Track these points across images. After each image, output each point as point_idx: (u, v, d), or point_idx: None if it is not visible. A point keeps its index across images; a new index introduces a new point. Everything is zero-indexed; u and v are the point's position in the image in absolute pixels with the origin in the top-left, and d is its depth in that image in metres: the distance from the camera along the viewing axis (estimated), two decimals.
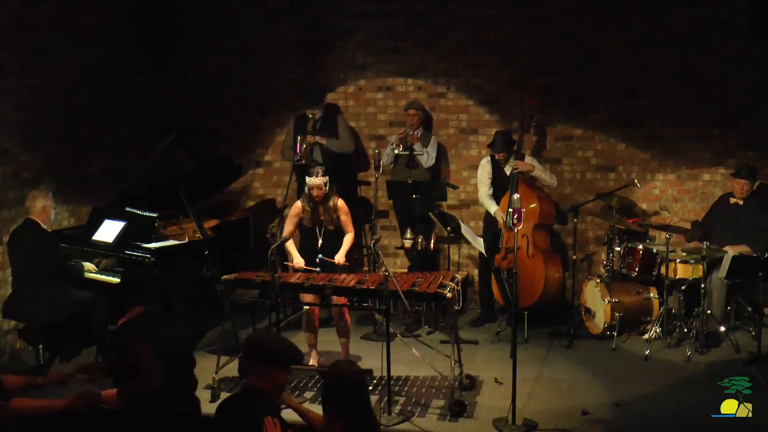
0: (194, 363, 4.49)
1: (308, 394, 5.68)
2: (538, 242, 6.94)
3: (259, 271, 6.09)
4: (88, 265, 6.40)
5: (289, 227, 6.15)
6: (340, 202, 6.10)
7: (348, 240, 6.11)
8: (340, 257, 6.02)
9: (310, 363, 6.11)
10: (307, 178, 5.99)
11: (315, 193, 5.95)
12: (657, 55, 7.46)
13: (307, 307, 6.08)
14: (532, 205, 6.83)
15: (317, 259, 6.00)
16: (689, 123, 7.49)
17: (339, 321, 6.17)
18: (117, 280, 6.25)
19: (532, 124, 7.33)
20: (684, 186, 7.62)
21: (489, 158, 7.25)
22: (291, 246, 6.09)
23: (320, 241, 6.06)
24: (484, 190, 7.20)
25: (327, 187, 5.97)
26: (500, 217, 6.96)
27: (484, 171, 7.21)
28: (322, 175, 5.94)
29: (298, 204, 6.15)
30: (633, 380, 5.91)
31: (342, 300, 5.90)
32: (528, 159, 7.18)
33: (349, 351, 6.21)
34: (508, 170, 7.10)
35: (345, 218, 6.09)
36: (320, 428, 3.87)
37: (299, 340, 6.84)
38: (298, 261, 6.05)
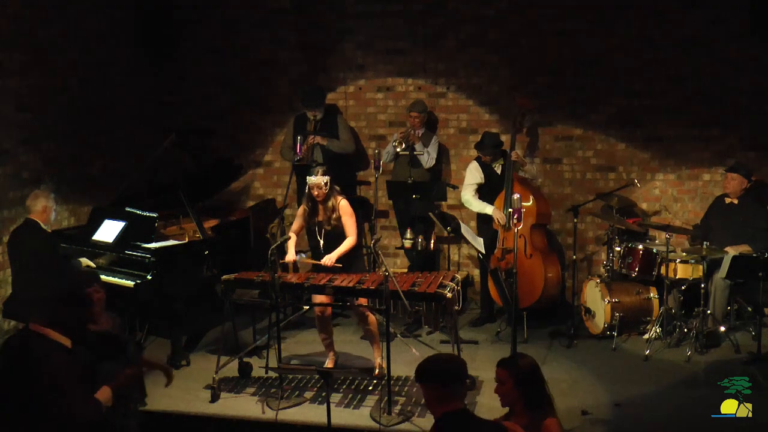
0: None
1: (308, 394, 5.68)
2: (535, 242, 6.94)
3: (259, 271, 6.08)
4: (85, 260, 6.41)
5: (295, 225, 6.10)
6: (343, 203, 5.95)
7: (346, 243, 5.88)
8: (327, 259, 5.83)
9: (327, 364, 6.08)
10: (308, 178, 5.91)
11: (315, 192, 5.86)
12: (657, 55, 7.46)
13: (307, 307, 6.06)
14: (528, 204, 6.82)
15: (296, 261, 5.95)
16: (689, 123, 7.49)
17: (363, 325, 6.10)
18: (117, 280, 6.26)
19: (525, 123, 7.32)
20: (684, 186, 7.62)
21: (476, 161, 7.21)
22: (291, 243, 6.02)
23: (321, 242, 5.96)
24: (470, 193, 7.14)
25: (327, 187, 5.86)
26: (499, 216, 6.91)
27: (475, 174, 7.14)
28: (323, 175, 5.85)
29: (303, 205, 6.08)
30: (633, 380, 5.91)
31: (363, 301, 5.74)
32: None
33: (379, 356, 6.00)
34: (498, 169, 7.10)
35: (346, 219, 5.91)
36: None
37: (299, 340, 6.88)
38: (289, 257, 5.96)
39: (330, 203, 5.91)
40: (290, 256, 5.98)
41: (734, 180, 6.82)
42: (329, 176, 5.89)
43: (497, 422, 3.57)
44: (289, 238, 5.97)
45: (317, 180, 5.85)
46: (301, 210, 6.07)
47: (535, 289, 6.84)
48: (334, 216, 5.91)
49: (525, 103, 7.23)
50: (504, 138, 7.32)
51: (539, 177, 7.30)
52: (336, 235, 5.94)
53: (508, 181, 6.86)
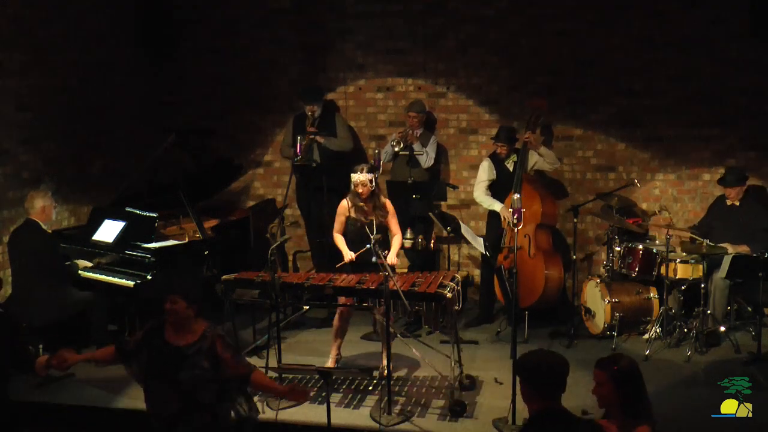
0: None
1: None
2: (540, 242, 6.92)
3: (259, 271, 6.08)
4: (81, 262, 6.41)
5: (337, 226, 6.10)
6: (388, 202, 6.09)
7: (398, 241, 6.07)
8: (392, 258, 5.90)
9: (328, 364, 6.06)
10: (353, 175, 5.91)
11: (360, 189, 5.89)
12: (657, 55, 7.46)
13: (307, 307, 6.04)
14: (535, 206, 6.82)
15: (381, 265, 5.60)
16: (689, 123, 7.49)
17: (380, 327, 6.08)
18: (117, 280, 6.26)
19: (539, 124, 7.30)
20: (684, 186, 7.63)
21: (489, 159, 7.23)
22: (341, 243, 6.04)
23: (373, 240, 5.70)
24: (482, 190, 7.16)
25: (372, 184, 5.92)
26: (507, 213, 6.90)
27: (489, 171, 7.15)
28: (368, 172, 5.90)
29: (344, 203, 6.06)
30: None
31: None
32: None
33: (383, 357, 5.94)
34: (510, 166, 7.10)
35: (390, 218, 6.06)
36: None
37: (299, 340, 6.87)
38: (349, 255, 5.95)
39: (381, 200, 6.01)
40: (348, 253, 5.95)
41: (734, 191, 6.83)
42: (373, 174, 5.94)
43: (591, 420, 3.55)
44: (290, 238, 5.99)
45: (363, 177, 5.88)
46: (341, 210, 6.05)
47: (535, 289, 6.83)
48: (382, 214, 5.98)
49: (541, 104, 7.19)
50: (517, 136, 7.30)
51: (558, 164, 7.32)
52: (384, 231, 5.99)
53: (518, 178, 6.85)
